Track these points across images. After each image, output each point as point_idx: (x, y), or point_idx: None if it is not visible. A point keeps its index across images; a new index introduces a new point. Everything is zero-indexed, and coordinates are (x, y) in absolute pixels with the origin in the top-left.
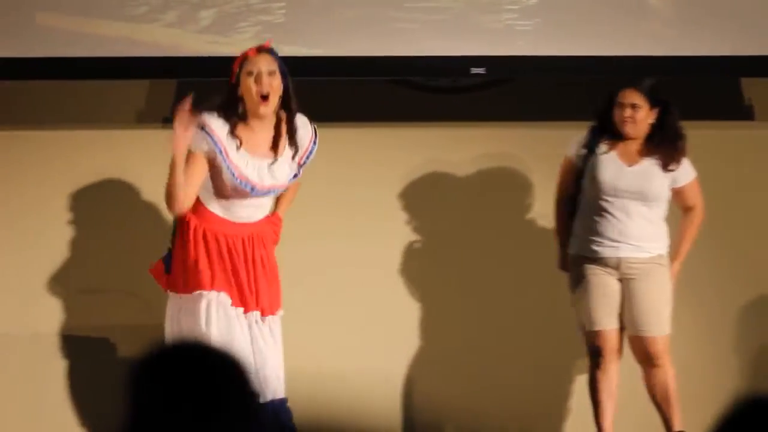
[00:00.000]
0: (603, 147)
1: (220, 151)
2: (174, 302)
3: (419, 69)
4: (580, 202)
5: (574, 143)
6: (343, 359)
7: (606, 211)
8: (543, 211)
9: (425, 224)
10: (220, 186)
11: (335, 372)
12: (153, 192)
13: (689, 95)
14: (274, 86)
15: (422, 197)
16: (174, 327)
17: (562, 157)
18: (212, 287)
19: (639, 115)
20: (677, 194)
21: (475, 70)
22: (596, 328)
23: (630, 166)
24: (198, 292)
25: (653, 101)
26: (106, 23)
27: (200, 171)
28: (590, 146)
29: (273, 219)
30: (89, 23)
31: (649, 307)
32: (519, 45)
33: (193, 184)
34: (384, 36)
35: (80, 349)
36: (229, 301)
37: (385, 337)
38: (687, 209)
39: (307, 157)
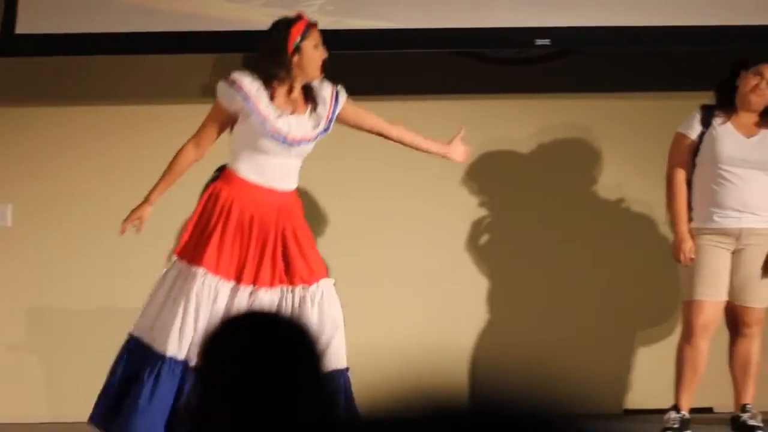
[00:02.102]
0: (719, 119)
1: (250, 105)
2: (176, 266)
3: (484, 41)
4: (695, 176)
5: (689, 120)
6: (403, 331)
7: (728, 181)
8: (611, 182)
9: (493, 198)
10: (251, 141)
11: (394, 343)
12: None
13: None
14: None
15: (489, 169)
16: (163, 288)
17: (629, 127)
18: (217, 270)
19: None
20: None
21: (539, 42)
22: (695, 298)
23: (749, 137)
24: (203, 269)
25: None
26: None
27: (219, 122)
28: (706, 122)
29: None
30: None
31: (757, 278)
32: (583, 16)
33: (209, 136)
34: (449, 8)
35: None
36: (230, 286)
37: (448, 310)
38: None
39: (334, 112)
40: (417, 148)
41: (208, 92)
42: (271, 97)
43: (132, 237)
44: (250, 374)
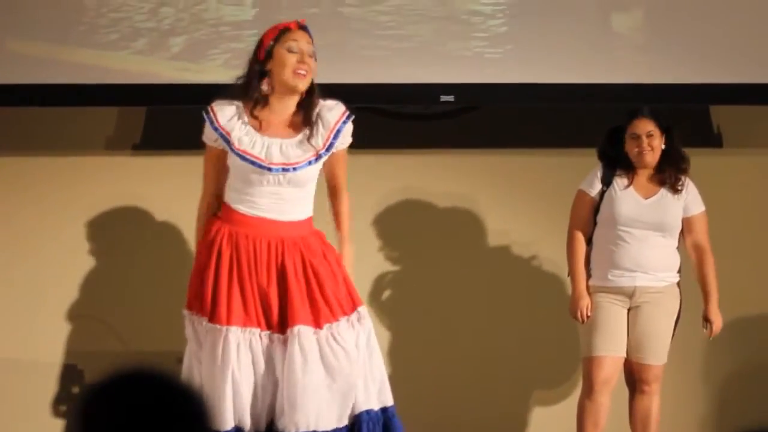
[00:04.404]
0: (621, 182)
1: (223, 137)
2: (190, 318)
3: (389, 96)
4: (595, 234)
5: (589, 178)
6: None
7: (624, 241)
8: (514, 237)
9: (396, 250)
10: (236, 171)
11: None
12: (122, 218)
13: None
14: (313, 68)
15: (393, 224)
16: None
17: (531, 182)
18: (228, 322)
19: (655, 142)
20: (688, 226)
21: (444, 98)
22: (593, 354)
23: (646, 198)
24: (213, 325)
25: (661, 126)
26: (76, 50)
27: (215, 161)
28: (606, 181)
29: (317, 231)
30: (60, 50)
31: (652, 335)
32: (488, 73)
33: (213, 181)
34: (354, 63)
35: (49, 376)
36: (250, 335)
37: None
38: (697, 249)
39: (335, 137)
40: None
41: (111, 145)
42: (252, 119)
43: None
44: None
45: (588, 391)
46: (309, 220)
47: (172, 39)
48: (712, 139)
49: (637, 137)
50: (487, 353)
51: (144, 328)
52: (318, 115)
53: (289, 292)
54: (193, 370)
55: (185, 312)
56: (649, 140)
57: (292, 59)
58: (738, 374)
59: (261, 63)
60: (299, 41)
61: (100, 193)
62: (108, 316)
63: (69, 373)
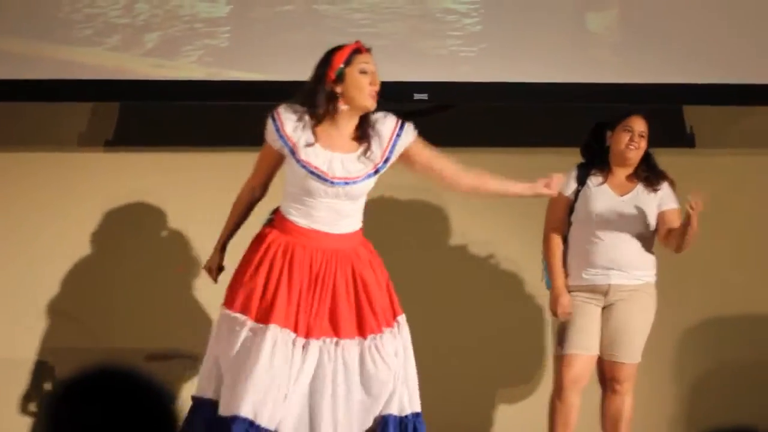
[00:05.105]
0: (596, 179)
1: (288, 145)
2: (223, 318)
3: None
4: (570, 234)
5: (565, 179)
6: None
7: (599, 239)
8: (483, 237)
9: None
10: (295, 181)
11: None
12: (94, 214)
13: None
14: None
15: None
16: (218, 345)
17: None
18: (270, 320)
19: (643, 144)
20: (663, 219)
21: (418, 96)
22: (564, 352)
23: (622, 195)
24: (255, 323)
25: (650, 135)
26: (50, 46)
27: (270, 159)
28: (581, 180)
29: (365, 241)
30: (33, 46)
31: (626, 333)
32: (463, 71)
33: (263, 174)
34: None
35: (20, 372)
36: (287, 336)
37: None
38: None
39: (391, 151)
40: (506, 195)
41: (84, 141)
42: (315, 133)
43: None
44: None
45: (558, 390)
46: (359, 231)
47: (146, 35)
48: (684, 139)
49: (631, 132)
50: (452, 351)
51: (115, 325)
52: (373, 128)
53: (337, 304)
54: (212, 369)
55: (224, 310)
56: (640, 140)
57: (365, 82)
58: (708, 374)
59: (332, 83)
60: (369, 63)
61: (72, 188)
62: (79, 312)
63: (40, 370)
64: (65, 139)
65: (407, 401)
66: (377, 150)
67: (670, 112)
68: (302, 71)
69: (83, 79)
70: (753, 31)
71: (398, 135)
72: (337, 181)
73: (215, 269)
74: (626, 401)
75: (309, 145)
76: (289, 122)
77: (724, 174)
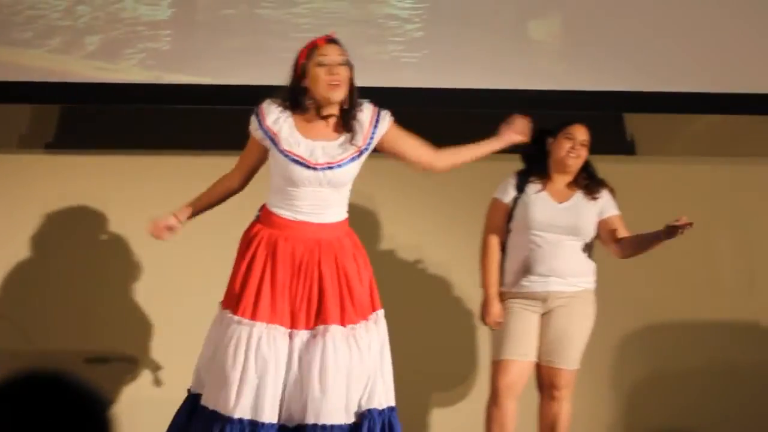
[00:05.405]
0: (534, 186)
1: (269, 137)
2: (218, 315)
3: None
4: (509, 241)
5: (504, 186)
6: None
7: (538, 246)
8: (412, 241)
9: None
10: (279, 171)
11: None
12: (32, 216)
13: None
14: (344, 77)
15: None
16: (210, 341)
17: (450, 189)
18: (254, 317)
19: (584, 153)
20: (606, 225)
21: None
22: (501, 358)
23: (560, 203)
24: (238, 318)
25: (590, 145)
26: None
27: (252, 152)
28: (520, 187)
29: (350, 231)
30: None
31: (565, 340)
32: (405, 77)
33: (243, 165)
34: (271, 65)
35: None
36: (275, 332)
37: None
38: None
39: (372, 136)
40: (483, 156)
41: (24, 143)
42: (296, 124)
43: None
44: None
45: (494, 396)
46: (345, 221)
47: (87, 38)
48: (625, 147)
49: (573, 140)
50: None
51: (51, 327)
52: (356, 118)
53: (324, 292)
54: (203, 368)
55: (220, 309)
56: (581, 148)
57: (322, 74)
58: (646, 381)
59: (299, 79)
60: (328, 54)
61: (11, 191)
62: (19, 315)
63: None
64: (5, 142)
65: (384, 396)
66: (359, 136)
67: (611, 120)
68: (244, 75)
69: (24, 81)
70: (693, 40)
71: (377, 120)
72: (320, 166)
73: (162, 224)
74: (564, 407)
75: (290, 134)
76: (270, 115)
77: (663, 181)
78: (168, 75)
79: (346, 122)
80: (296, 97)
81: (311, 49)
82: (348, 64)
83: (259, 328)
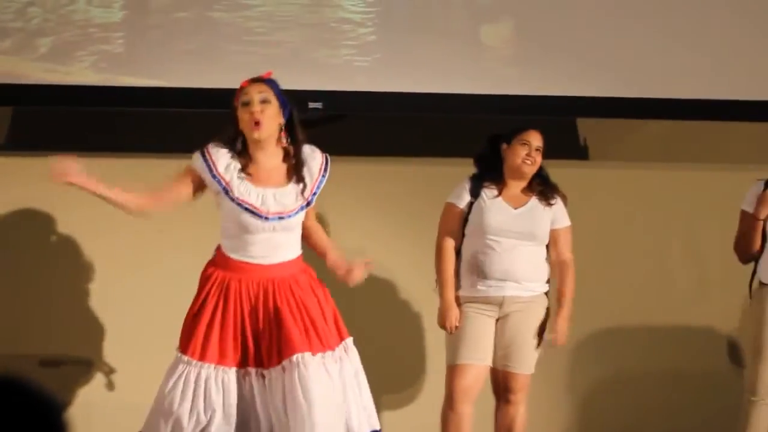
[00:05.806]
0: (490, 192)
1: (221, 185)
2: (185, 363)
3: None
4: (464, 246)
5: (458, 190)
6: None
7: (493, 250)
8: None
9: None
10: (229, 220)
11: None
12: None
13: None
14: (267, 113)
15: None
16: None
17: (400, 193)
18: (203, 358)
19: (538, 158)
20: (554, 238)
21: (312, 105)
22: (456, 362)
23: (516, 208)
24: (187, 358)
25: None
26: None
27: (186, 187)
28: (475, 193)
29: (306, 267)
30: None
31: (521, 344)
32: (357, 81)
33: (172, 195)
34: (223, 68)
35: None
36: (223, 374)
37: None
38: (560, 263)
39: (318, 186)
40: (321, 255)
41: None
42: (246, 169)
43: None
44: None
45: (450, 400)
46: (298, 258)
47: (39, 39)
48: (578, 151)
49: (528, 146)
50: None
51: (5, 330)
52: (306, 163)
53: (284, 325)
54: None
55: (177, 353)
56: (536, 154)
57: (245, 114)
58: (601, 384)
59: (235, 124)
60: (248, 93)
61: None
62: None
63: None
64: None
65: (366, 420)
66: (308, 183)
67: (564, 125)
68: (197, 78)
69: None
70: (645, 45)
71: (325, 171)
72: (271, 216)
73: (68, 173)
74: (520, 411)
75: (240, 183)
76: (221, 161)
77: (616, 186)
78: (120, 77)
79: (297, 169)
80: (234, 142)
81: (238, 90)
82: (270, 101)
83: (207, 369)
